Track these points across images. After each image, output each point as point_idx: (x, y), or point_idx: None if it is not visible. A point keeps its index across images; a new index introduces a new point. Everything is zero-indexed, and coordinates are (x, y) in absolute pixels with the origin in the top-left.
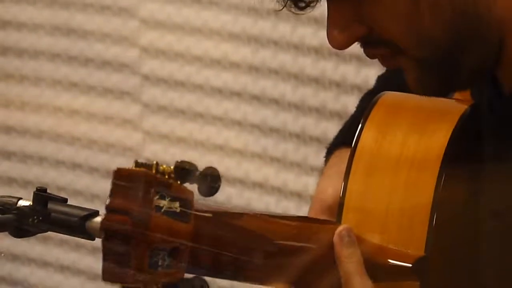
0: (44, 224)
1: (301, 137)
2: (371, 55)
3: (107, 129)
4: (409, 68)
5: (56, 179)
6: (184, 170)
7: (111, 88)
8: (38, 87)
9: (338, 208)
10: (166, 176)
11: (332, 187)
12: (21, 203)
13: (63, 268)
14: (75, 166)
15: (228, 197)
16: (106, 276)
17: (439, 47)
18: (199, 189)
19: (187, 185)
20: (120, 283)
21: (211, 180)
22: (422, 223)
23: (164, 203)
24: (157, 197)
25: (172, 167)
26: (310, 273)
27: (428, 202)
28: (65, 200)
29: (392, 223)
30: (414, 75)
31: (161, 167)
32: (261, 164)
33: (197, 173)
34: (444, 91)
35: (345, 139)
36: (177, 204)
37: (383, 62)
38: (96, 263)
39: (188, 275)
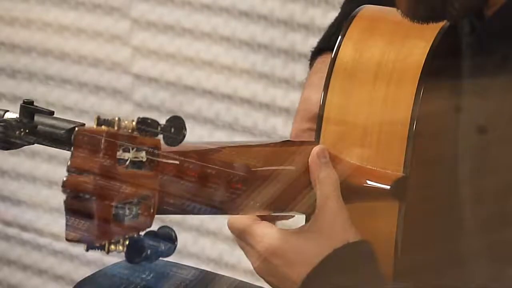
0: (31, 136)
1: (289, 53)
2: None
3: (96, 44)
4: None
5: (45, 95)
6: (146, 125)
7: (100, 3)
8: (27, 2)
9: (317, 122)
10: (130, 131)
11: (316, 95)
12: (8, 115)
13: (51, 183)
14: (64, 81)
15: (217, 113)
16: (70, 236)
17: None
18: (164, 139)
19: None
20: (84, 242)
21: (175, 131)
22: (401, 138)
23: (128, 155)
24: (120, 151)
25: (134, 122)
26: (286, 196)
27: (406, 117)
28: (52, 112)
29: (371, 137)
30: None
31: (123, 123)
32: (249, 80)
33: (159, 126)
34: (433, 18)
35: (329, 44)
36: (143, 153)
37: None
38: None
39: (155, 226)
